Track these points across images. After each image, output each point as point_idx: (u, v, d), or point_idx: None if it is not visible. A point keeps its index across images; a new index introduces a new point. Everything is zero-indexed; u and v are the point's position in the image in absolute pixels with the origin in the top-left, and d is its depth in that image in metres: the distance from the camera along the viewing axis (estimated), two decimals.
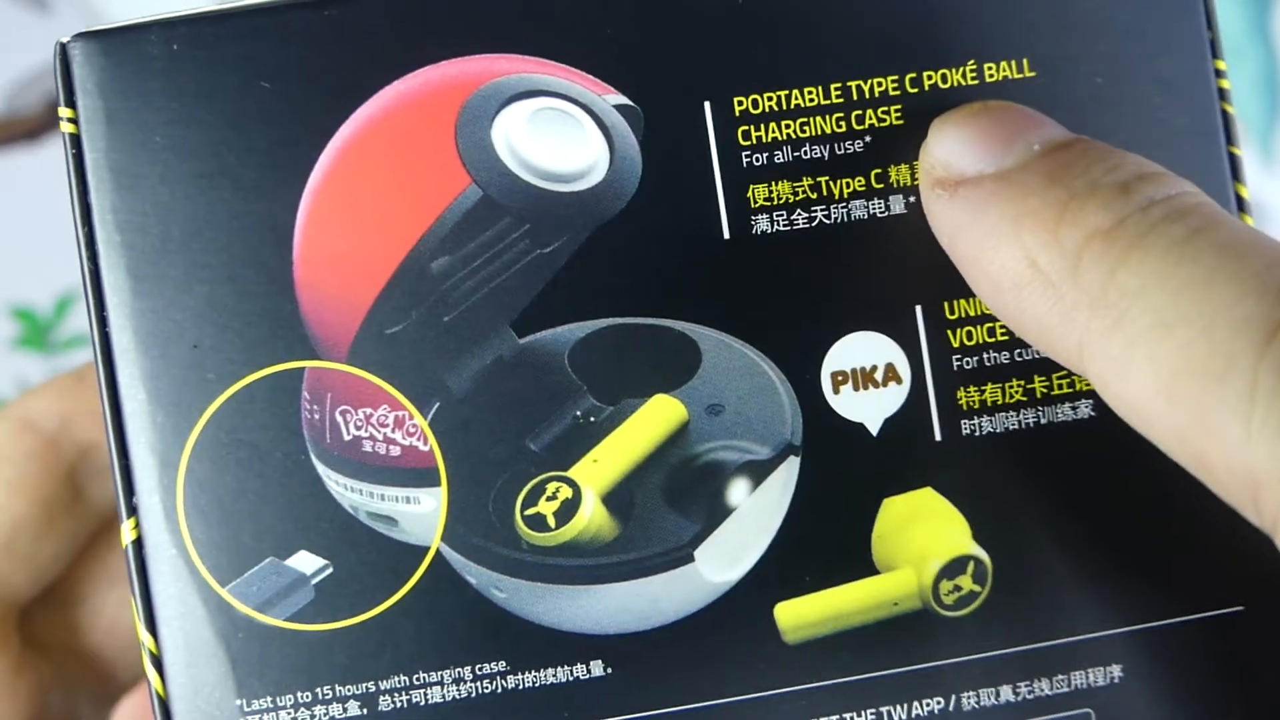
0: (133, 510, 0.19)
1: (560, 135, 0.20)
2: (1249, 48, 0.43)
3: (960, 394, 0.20)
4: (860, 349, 0.20)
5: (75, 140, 0.19)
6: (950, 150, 0.19)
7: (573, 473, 0.20)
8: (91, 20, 0.45)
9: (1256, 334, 0.15)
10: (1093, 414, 0.20)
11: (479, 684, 0.20)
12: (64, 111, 0.19)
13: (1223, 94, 0.21)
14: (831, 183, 0.20)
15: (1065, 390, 0.20)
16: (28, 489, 0.24)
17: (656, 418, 0.20)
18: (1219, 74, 0.20)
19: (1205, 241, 0.16)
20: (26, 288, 0.45)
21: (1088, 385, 0.20)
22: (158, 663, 0.19)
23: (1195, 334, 0.15)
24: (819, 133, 0.20)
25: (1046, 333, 0.17)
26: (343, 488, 0.19)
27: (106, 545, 0.26)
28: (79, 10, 0.45)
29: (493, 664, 0.20)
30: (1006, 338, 0.20)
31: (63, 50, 0.19)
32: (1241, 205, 0.21)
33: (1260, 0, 0.43)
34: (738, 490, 0.20)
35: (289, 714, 0.19)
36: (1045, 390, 0.20)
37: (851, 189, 0.20)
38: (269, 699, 0.19)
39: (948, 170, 0.18)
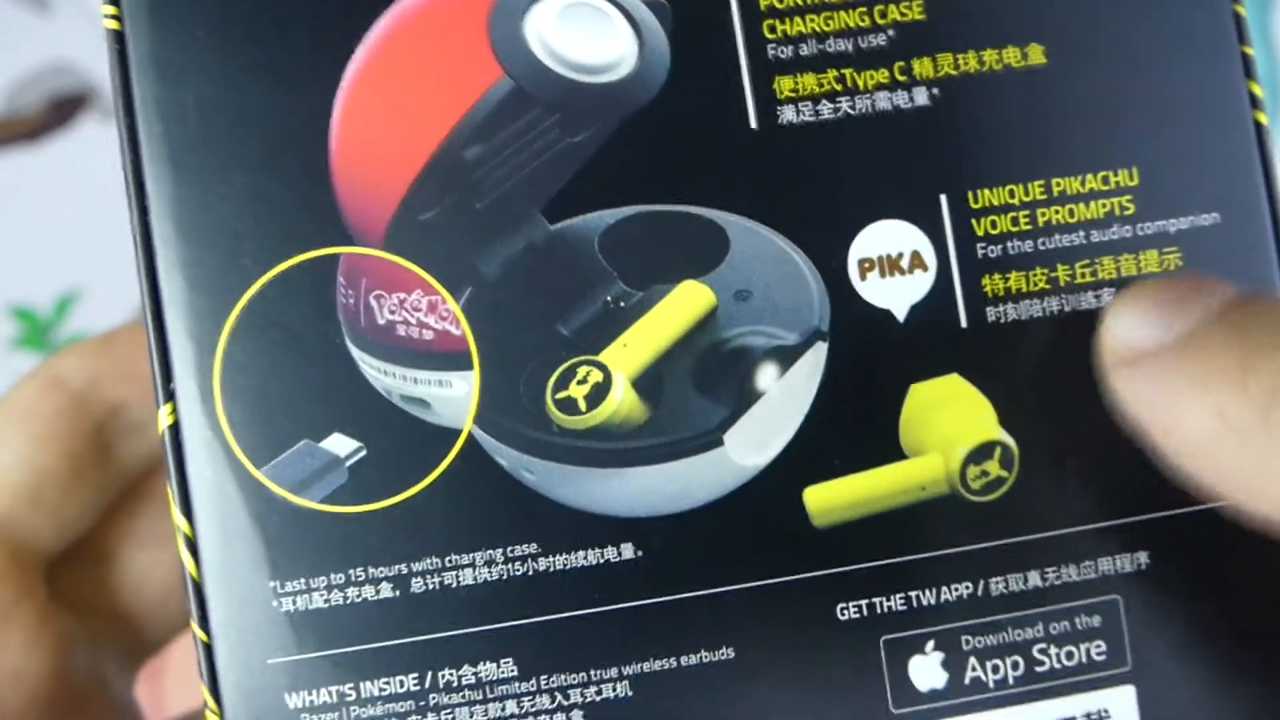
0: (170, 395, 0.20)
1: (590, 28, 0.20)
2: None
3: (985, 281, 0.20)
4: (886, 237, 0.20)
5: (118, 36, 0.20)
6: (1128, 328, 0.19)
7: (603, 357, 0.20)
8: (92, 20, 0.46)
9: None
10: None
11: (510, 565, 0.20)
12: (107, 9, 0.20)
13: None
14: (856, 75, 0.20)
15: (1088, 279, 0.21)
16: (55, 443, 0.24)
17: (685, 303, 0.20)
18: None
19: None
20: (26, 288, 0.46)
21: (1111, 273, 0.21)
22: (192, 546, 0.19)
23: None
24: (843, 26, 0.20)
25: (1246, 485, 0.18)
26: (377, 371, 0.20)
27: (135, 504, 0.27)
28: (79, 10, 0.46)
29: (524, 546, 0.20)
30: (1030, 226, 0.21)
31: None
32: (1255, 102, 0.21)
33: (1260, 0, 0.44)
34: (766, 375, 0.20)
35: (322, 595, 0.19)
36: (1069, 278, 0.21)
37: (876, 81, 0.20)
38: (302, 580, 0.19)
39: (1129, 347, 0.19)
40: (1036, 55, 0.21)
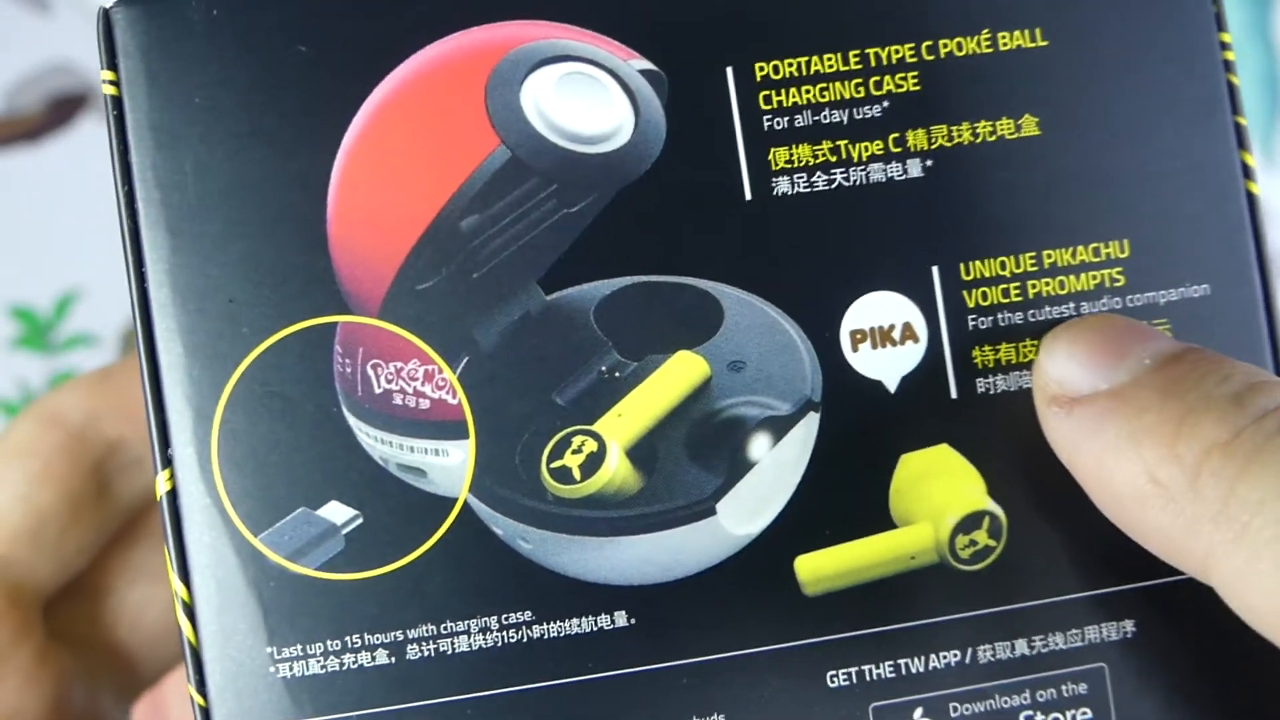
0: (168, 461, 0.20)
1: (586, 99, 0.20)
2: (1249, 48, 0.44)
3: (976, 353, 0.21)
4: (878, 308, 0.21)
5: (117, 102, 0.20)
6: (1063, 369, 0.19)
7: (598, 426, 0.20)
8: (92, 20, 0.46)
9: None
10: None
11: (505, 633, 0.20)
12: (106, 75, 0.20)
13: (1228, 65, 0.21)
14: (850, 146, 0.21)
15: None
16: (54, 482, 0.25)
17: (680, 373, 0.20)
18: (1224, 46, 0.21)
19: None
20: (26, 288, 0.46)
21: None
22: (190, 611, 0.20)
23: None
24: (838, 98, 0.20)
25: (1172, 544, 0.18)
26: (373, 439, 0.20)
27: (132, 541, 0.27)
28: (79, 10, 0.46)
29: (519, 614, 0.20)
30: (1020, 298, 0.21)
31: (105, 15, 0.20)
32: (1247, 173, 0.21)
33: (1260, 0, 0.44)
34: (759, 445, 0.20)
35: (319, 661, 0.20)
36: None
37: (870, 152, 0.21)
38: (299, 647, 0.20)
39: (1062, 388, 0.19)
40: (1030, 127, 0.21)
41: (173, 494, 0.20)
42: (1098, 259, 0.21)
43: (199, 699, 0.20)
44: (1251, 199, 0.21)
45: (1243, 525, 0.17)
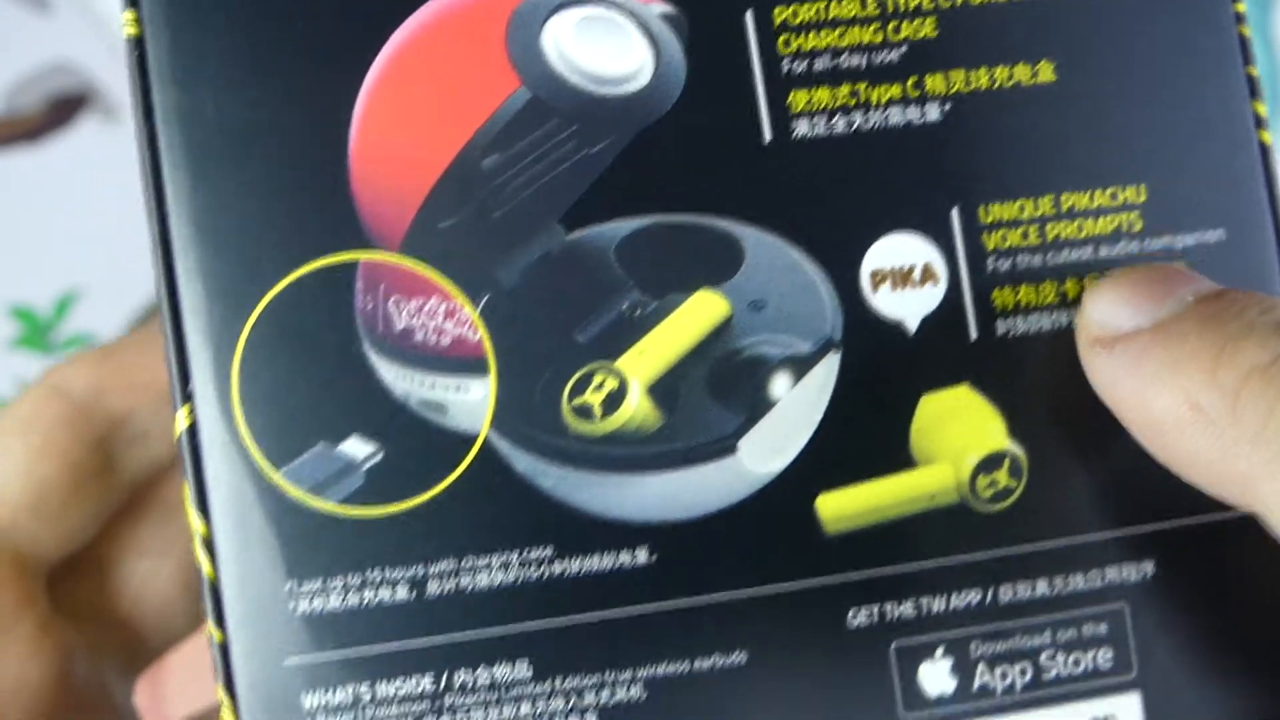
0: (188, 397, 0.20)
1: (607, 41, 0.20)
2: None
3: (995, 295, 0.21)
4: (898, 249, 0.21)
5: (138, 42, 0.20)
6: (1106, 310, 0.19)
7: (619, 364, 0.20)
8: (92, 20, 0.46)
9: None
10: None
11: (526, 569, 0.20)
12: (127, 14, 0.20)
13: (1239, 18, 0.22)
14: (869, 90, 0.21)
15: None
16: (57, 454, 0.25)
17: (701, 311, 0.20)
18: None
19: None
20: (26, 288, 0.46)
21: None
22: (209, 546, 0.20)
23: None
24: (856, 43, 0.21)
25: (1212, 469, 0.18)
26: (394, 375, 0.20)
27: (137, 515, 0.27)
28: (79, 10, 0.46)
29: (539, 549, 0.20)
30: (1039, 240, 0.21)
31: None
32: (1259, 122, 0.22)
33: (1260, 0, 0.45)
34: (780, 384, 0.20)
35: (339, 596, 0.20)
36: (1078, 292, 0.21)
37: (888, 96, 0.21)
38: (319, 581, 0.20)
39: (1104, 329, 0.19)
40: (1046, 73, 0.21)
41: (192, 430, 0.20)
42: (1115, 203, 0.21)
43: (217, 634, 0.20)
44: (1264, 148, 0.22)
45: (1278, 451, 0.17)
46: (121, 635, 0.26)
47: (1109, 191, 0.21)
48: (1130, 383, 0.19)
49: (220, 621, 0.20)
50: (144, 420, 0.25)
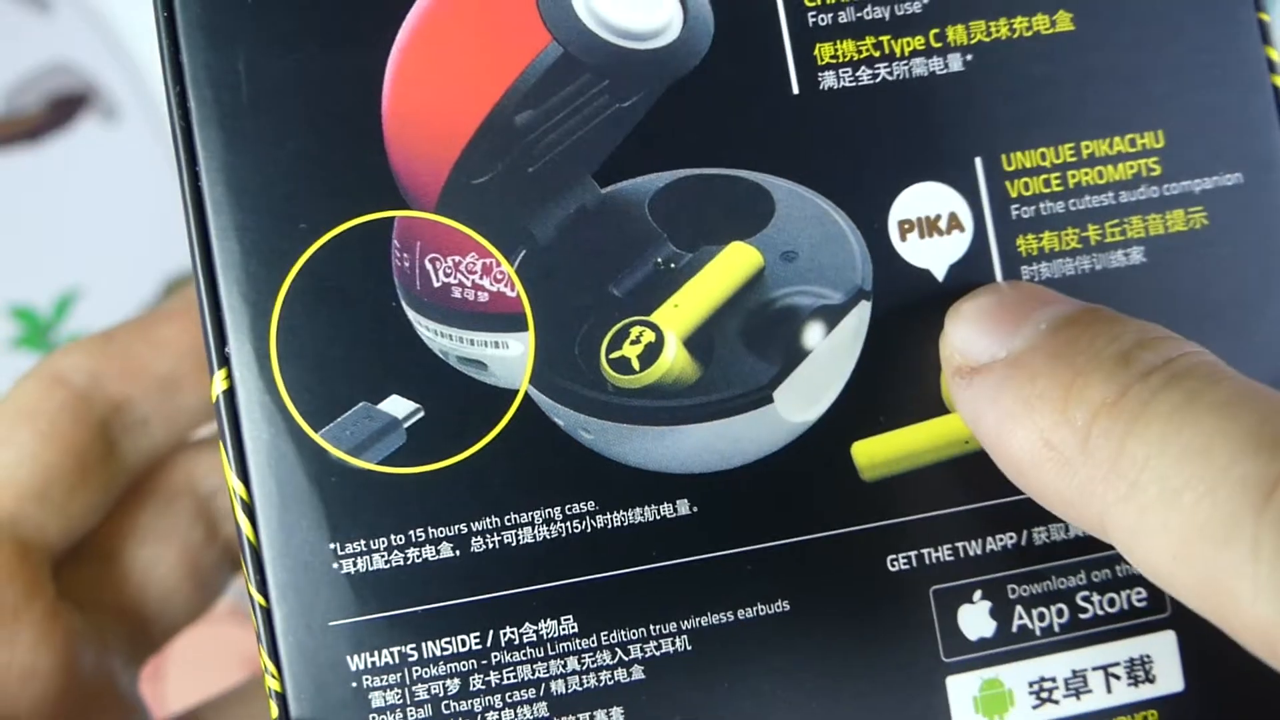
0: (225, 360, 0.20)
1: None
2: None
3: (1020, 241, 0.21)
4: (925, 199, 0.21)
5: (166, 3, 0.20)
6: (964, 339, 0.20)
7: (655, 317, 0.20)
8: (92, 20, 0.46)
9: (1254, 494, 0.15)
10: (1144, 259, 0.21)
11: (569, 524, 0.20)
12: None
13: None
14: (893, 41, 0.21)
15: (1118, 238, 0.21)
16: (60, 441, 0.24)
17: (734, 264, 0.21)
18: None
19: (1203, 404, 0.17)
20: (26, 288, 0.46)
21: (1139, 232, 0.21)
22: (249, 510, 0.20)
23: (1199, 499, 0.16)
24: None
25: (1069, 506, 0.18)
26: (433, 333, 0.20)
27: (138, 502, 0.27)
28: (79, 10, 0.46)
29: (582, 504, 0.20)
30: (1061, 188, 0.21)
31: None
32: (1272, 67, 0.22)
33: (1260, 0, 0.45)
34: (813, 333, 0.20)
35: (382, 557, 0.20)
36: (1099, 238, 0.21)
37: (912, 47, 0.21)
38: (362, 542, 0.20)
39: (964, 358, 0.19)
40: (1064, 22, 0.21)
41: (229, 393, 0.20)
42: (1134, 149, 0.21)
43: (260, 599, 0.20)
44: (1277, 92, 0.22)
45: (1131, 483, 0.17)
46: (126, 623, 0.26)
47: (1128, 138, 0.21)
48: (989, 418, 0.19)
49: (263, 586, 0.20)
50: (144, 407, 0.25)
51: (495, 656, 0.20)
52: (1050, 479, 0.18)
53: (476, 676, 0.20)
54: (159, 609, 0.27)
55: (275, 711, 0.20)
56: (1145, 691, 0.21)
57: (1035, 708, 0.21)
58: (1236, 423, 0.16)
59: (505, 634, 0.20)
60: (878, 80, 0.21)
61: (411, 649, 0.20)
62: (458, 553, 0.20)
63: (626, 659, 0.20)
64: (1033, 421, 0.18)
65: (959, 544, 0.21)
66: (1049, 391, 0.18)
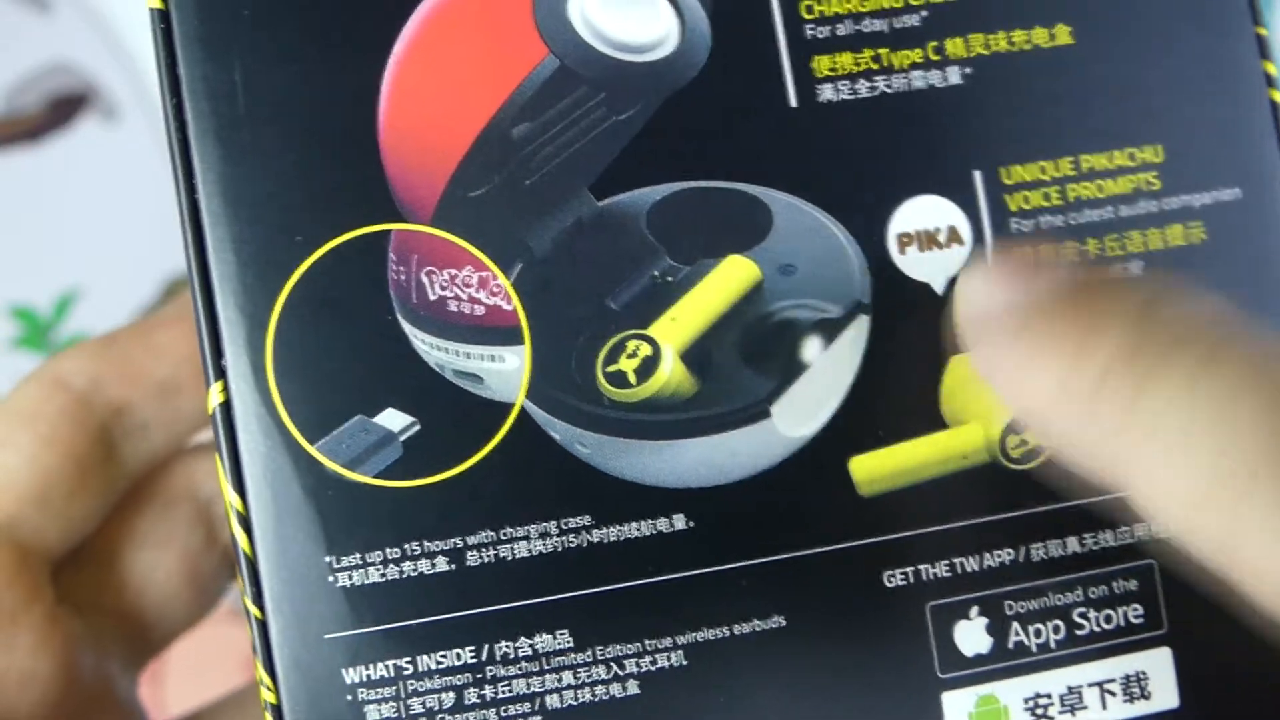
0: (221, 373, 0.20)
1: (632, 8, 0.20)
2: None
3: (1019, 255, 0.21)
4: (923, 212, 0.21)
5: (163, 15, 0.20)
6: (979, 291, 0.19)
7: (652, 330, 0.20)
8: (92, 20, 0.46)
9: (1278, 446, 0.15)
10: (1142, 274, 0.21)
11: (564, 538, 0.20)
12: None
13: None
14: (891, 54, 0.21)
15: (1117, 252, 0.21)
16: (60, 444, 0.24)
17: (732, 277, 0.20)
18: None
19: (1226, 356, 0.16)
20: (26, 288, 0.45)
21: (1138, 247, 0.21)
22: (245, 522, 0.20)
23: (1221, 448, 0.16)
24: (878, 8, 0.21)
25: (1084, 454, 0.18)
26: (429, 346, 0.20)
27: (138, 506, 0.27)
28: (79, 10, 0.46)
29: (578, 518, 0.20)
30: (1060, 201, 0.21)
31: None
32: (1270, 81, 0.22)
33: (1260, 0, 0.45)
34: (811, 347, 0.20)
35: (378, 570, 0.20)
36: (1099, 252, 0.21)
37: (911, 60, 0.21)
38: (358, 555, 0.20)
39: (980, 310, 0.19)
40: (1064, 36, 0.21)
41: (226, 406, 0.20)
42: (1133, 163, 0.21)
43: (256, 611, 0.20)
44: (1275, 106, 0.22)
45: (1148, 430, 0.17)
46: (125, 627, 0.26)
47: (1127, 152, 0.21)
48: (1005, 365, 0.18)
49: (258, 599, 0.20)
50: (145, 411, 0.25)
51: (490, 670, 0.20)
52: (1065, 425, 0.18)
53: (471, 690, 0.20)
54: (158, 613, 0.27)
55: None
56: (1141, 708, 0.21)
57: None
58: (1263, 374, 0.16)
59: (500, 648, 0.20)
60: (876, 93, 0.21)
61: (407, 662, 0.20)
62: (453, 566, 0.20)
63: (622, 674, 0.20)
64: (1049, 366, 0.18)
65: (956, 560, 0.21)
66: (1066, 337, 0.18)
